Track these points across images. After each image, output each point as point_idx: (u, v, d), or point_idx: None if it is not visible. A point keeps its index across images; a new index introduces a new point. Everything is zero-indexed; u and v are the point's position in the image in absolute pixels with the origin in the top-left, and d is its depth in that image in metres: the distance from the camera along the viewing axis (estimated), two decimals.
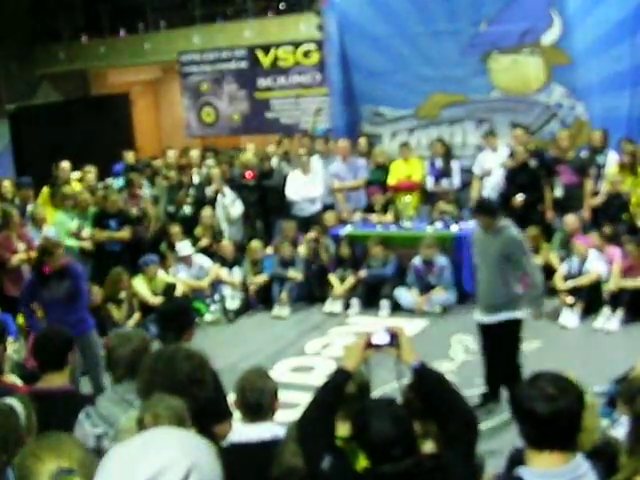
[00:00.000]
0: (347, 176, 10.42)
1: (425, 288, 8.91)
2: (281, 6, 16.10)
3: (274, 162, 11.13)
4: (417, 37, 10.60)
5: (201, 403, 2.86)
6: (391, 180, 10.24)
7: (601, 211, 9.16)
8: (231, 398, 3.48)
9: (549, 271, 8.33)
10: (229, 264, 9.69)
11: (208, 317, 9.22)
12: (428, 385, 2.73)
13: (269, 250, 10.10)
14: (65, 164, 10.63)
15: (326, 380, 2.77)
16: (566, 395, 2.18)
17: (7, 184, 10.20)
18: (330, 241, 9.64)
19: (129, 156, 12.41)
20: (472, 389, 6.11)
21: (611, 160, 9.33)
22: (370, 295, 9.11)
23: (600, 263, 8.31)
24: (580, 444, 2.84)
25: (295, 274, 9.40)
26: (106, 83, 18.28)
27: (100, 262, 9.31)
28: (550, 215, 9.46)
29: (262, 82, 14.63)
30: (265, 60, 14.53)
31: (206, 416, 2.90)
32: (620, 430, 3.52)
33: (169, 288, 9.04)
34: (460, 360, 7.33)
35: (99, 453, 3.02)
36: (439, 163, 10.20)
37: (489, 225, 5.86)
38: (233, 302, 9.38)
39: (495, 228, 5.84)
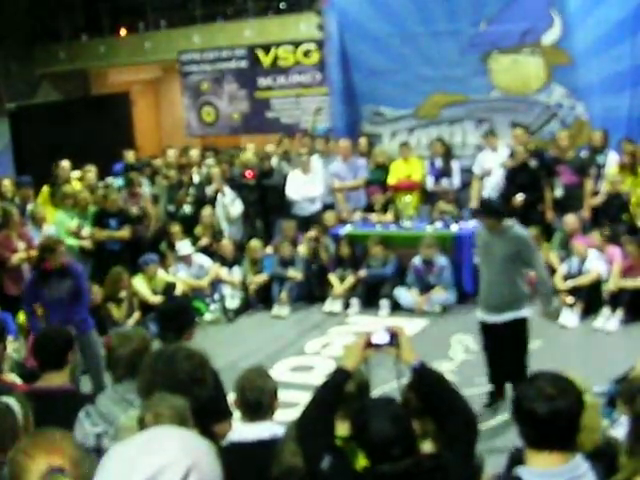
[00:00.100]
0: (347, 176, 10.42)
1: (425, 288, 8.91)
2: (281, 6, 16.11)
3: (274, 161, 11.13)
4: (417, 37, 10.60)
5: (201, 402, 2.86)
6: (391, 180, 10.24)
7: (601, 211, 9.16)
8: (231, 397, 3.48)
9: (549, 271, 8.32)
10: (229, 263, 9.69)
11: (208, 316, 9.22)
12: (428, 385, 2.73)
13: (269, 249, 10.10)
14: (65, 163, 10.62)
15: (326, 379, 2.77)
16: (565, 395, 2.18)
17: (7, 183, 10.21)
18: (330, 241, 9.64)
19: (129, 155, 12.41)
20: (472, 389, 6.12)
21: (611, 160, 9.33)
22: (370, 295, 9.11)
23: (600, 263, 8.31)
24: (581, 444, 2.85)
25: (295, 274, 9.40)
26: (106, 82, 18.29)
27: (100, 261, 9.31)
28: (550, 215, 9.46)
29: (262, 81, 14.64)
30: (265, 60, 14.54)
31: (206, 415, 2.90)
32: (620, 430, 3.52)
33: (169, 287, 9.04)
34: (460, 360, 7.33)
35: (99, 452, 3.03)
36: (439, 163, 10.20)
37: (494, 226, 5.86)
38: (233, 301, 9.39)
39: (500, 229, 5.85)
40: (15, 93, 15.95)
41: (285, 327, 8.84)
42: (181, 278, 9.34)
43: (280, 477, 2.86)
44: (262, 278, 9.56)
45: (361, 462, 2.53)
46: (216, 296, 9.40)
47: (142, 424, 2.57)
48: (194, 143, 14.99)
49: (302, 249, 9.73)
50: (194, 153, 12.05)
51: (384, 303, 8.93)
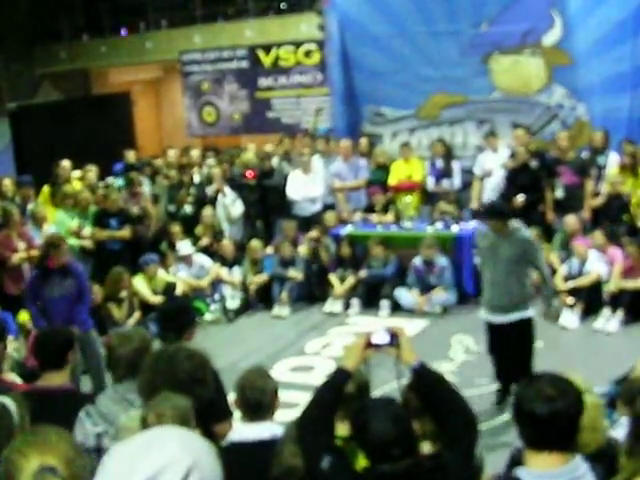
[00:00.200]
0: (348, 176, 10.43)
1: (425, 288, 8.91)
2: (282, 6, 16.11)
3: (275, 162, 11.13)
4: (418, 37, 10.61)
5: (202, 402, 2.86)
6: (392, 180, 10.24)
7: (601, 212, 9.16)
8: (231, 397, 3.48)
9: (550, 272, 8.32)
10: (229, 263, 9.69)
11: (208, 316, 9.22)
12: (427, 385, 2.73)
13: (269, 250, 10.10)
14: (66, 163, 10.63)
15: (326, 380, 2.76)
16: (565, 396, 2.18)
17: (8, 183, 10.21)
18: (330, 241, 9.64)
19: (130, 155, 12.41)
20: (472, 389, 6.12)
21: (612, 161, 9.33)
22: (370, 295, 9.11)
23: (600, 264, 8.31)
24: (585, 444, 2.85)
25: (295, 274, 9.41)
26: (107, 82, 18.29)
27: (100, 261, 9.31)
28: (551, 216, 9.46)
29: (263, 82, 14.64)
30: (266, 60, 14.54)
31: (207, 415, 2.90)
32: (620, 431, 3.52)
33: (169, 287, 9.04)
34: (460, 360, 7.33)
35: (99, 452, 3.03)
36: (440, 163, 10.20)
37: (501, 228, 5.89)
38: (233, 302, 9.39)
39: (507, 230, 5.87)
40: (16, 93, 15.95)
41: (285, 327, 8.84)
42: (181, 278, 9.34)
43: (280, 477, 2.86)
44: (262, 278, 9.56)
45: (361, 462, 2.53)
46: (216, 296, 9.40)
47: (144, 423, 2.57)
48: (195, 143, 15.00)
49: (302, 249, 9.73)
50: (195, 153, 12.06)
51: (384, 303, 8.93)
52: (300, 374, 7.24)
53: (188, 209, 10.52)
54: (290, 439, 2.83)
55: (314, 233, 9.80)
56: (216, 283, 9.52)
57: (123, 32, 17.39)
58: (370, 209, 10.13)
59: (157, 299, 8.75)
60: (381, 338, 2.77)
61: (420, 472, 2.43)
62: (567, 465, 2.19)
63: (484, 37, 10.29)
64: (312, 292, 9.50)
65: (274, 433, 3.09)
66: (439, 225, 9.34)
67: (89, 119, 15.62)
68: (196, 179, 11.06)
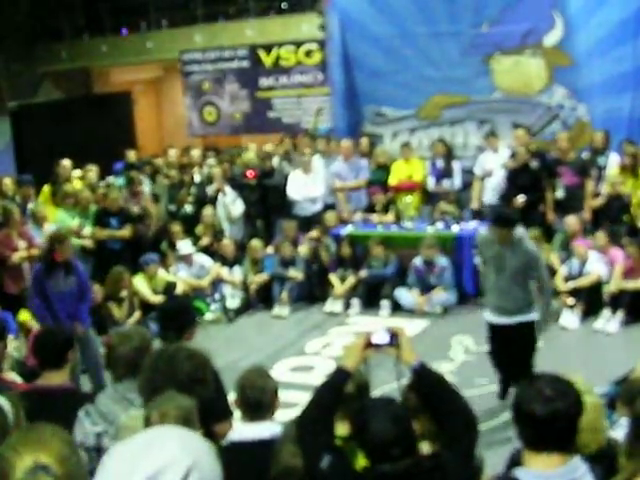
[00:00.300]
0: (348, 176, 10.42)
1: (426, 288, 8.91)
2: (283, 6, 16.12)
3: (275, 161, 11.13)
4: (419, 38, 10.61)
5: (202, 402, 2.86)
6: (392, 180, 10.24)
7: (602, 212, 9.16)
8: (231, 397, 3.48)
9: (550, 272, 8.32)
10: (230, 263, 9.69)
11: (208, 316, 9.22)
12: (427, 385, 2.73)
13: (270, 249, 10.10)
14: (66, 162, 10.63)
15: (325, 379, 2.76)
16: (564, 397, 2.18)
17: (8, 182, 10.22)
18: (331, 241, 9.64)
19: (130, 155, 12.42)
20: (472, 390, 6.12)
21: (612, 161, 9.33)
22: (370, 295, 9.11)
23: (600, 265, 8.31)
24: (586, 444, 2.84)
25: (295, 274, 9.41)
26: (108, 81, 18.30)
27: (101, 260, 9.31)
28: (551, 216, 9.45)
29: (264, 81, 14.65)
30: (267, 59, 14.55)
31: (207, 415, 2.90)
32: (620, 432, 3.52)
33: (170, 287, 9.04)
34: (460, 361, 7.33)
35: (99, 451, 3.03)
36: (440, 163, 10.20)
37: (506, 236, 5.86)
38: (233, 301, 9.39)
39: (512, 239, 5.85)
40: (17, 92, 15.95)
41: (285, 327, 8.84)
42: (182, 278, 9.34)
43: (279, 477, 2.86)
44: (263, 278, 9.56)
45: (361, 462, 2.53)
46: (217, 296, 9.40)
47: (147, 422, 2.57)
48: (195, 143, 15.01)
49: (303, 249, 9.73)
50: (195, 153, 12.06)
51: (385, 303, 8.93)
52: (300, 374, 7.24)
53: (188, 209, 10.52)
54: (289, 439, 2.83)
55: (314, 233, 9.80)
56: (216, 283, 9.52)
57: (124, 31, 17.40)
58: (370, 209, 10.13)
59: (157, 299, 8.75)
60: (381, 338, 2.77)
61: (420, 472, 2.43)
62: (566, 466, 2.19)
63: (485, 37, 10.29)
64: (312, 292, 9.50)
65: (274, 433, 3.09)
66: (439, 225, 9.34)
67: (90, 118, 15.63)
68: (197, 179, 11.07)
